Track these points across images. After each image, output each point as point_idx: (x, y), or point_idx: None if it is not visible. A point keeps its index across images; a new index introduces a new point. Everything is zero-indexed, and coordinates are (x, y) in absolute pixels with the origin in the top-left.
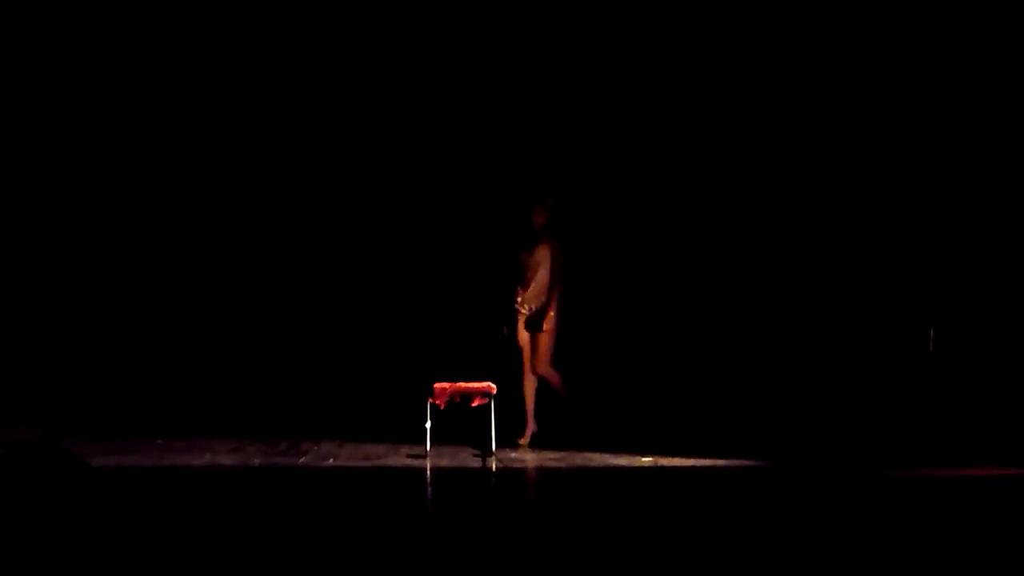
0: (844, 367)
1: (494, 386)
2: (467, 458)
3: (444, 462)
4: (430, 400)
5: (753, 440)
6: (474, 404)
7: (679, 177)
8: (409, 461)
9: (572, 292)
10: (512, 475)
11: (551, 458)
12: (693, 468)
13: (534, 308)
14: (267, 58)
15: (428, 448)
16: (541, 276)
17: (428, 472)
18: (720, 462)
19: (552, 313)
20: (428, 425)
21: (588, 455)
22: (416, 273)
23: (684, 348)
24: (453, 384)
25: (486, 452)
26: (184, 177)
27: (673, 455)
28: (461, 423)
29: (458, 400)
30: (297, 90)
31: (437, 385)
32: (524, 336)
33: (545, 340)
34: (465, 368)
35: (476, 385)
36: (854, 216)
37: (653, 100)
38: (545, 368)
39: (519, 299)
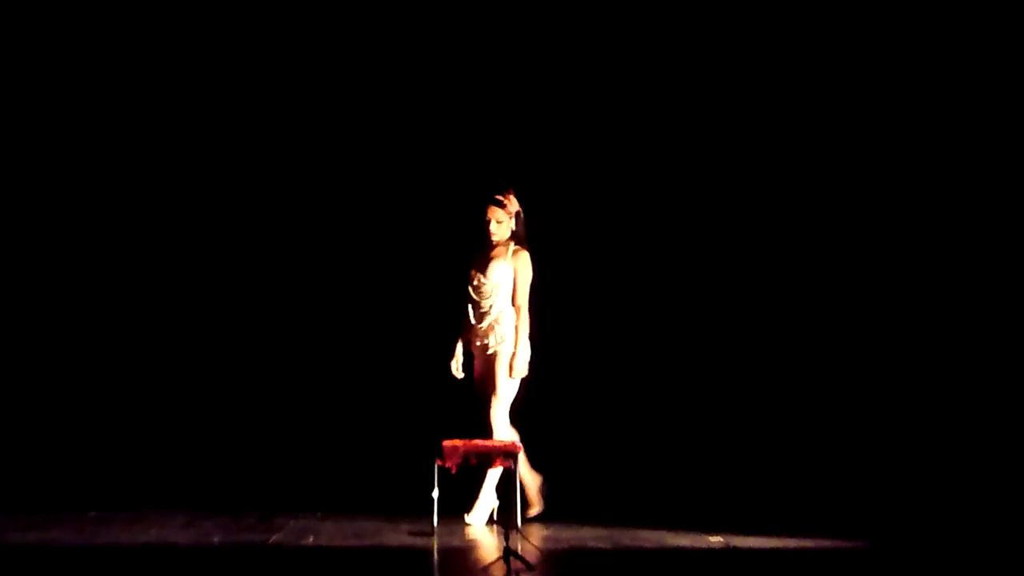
0: (962, 412)
1: (520, 444)
2: (485, 537)
3: (456, 541)
4: (438, 462)
5: (844, 511)
6: (494, 467)
7: (707, 174)
8: (411, 540)
9: (561, 318)
10: (545, 559)
11: (592, 536)
12: (776, 551)
13: (490, 345)
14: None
15: (435, 523)
16: (499, 302)
17: (435, 554)
18: (807, 543)
19: (519, 352)
20: (435, 494)
21: (638, 532)
22: (412, 299)
23: (743, 385)
24: (467, 441)
25: (510, 529)
26: (121, 210)
27: (746, 532)
28: (477, 492)
29: (474, 462)
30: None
31: (447, 443)
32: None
33: (506, 383)
34: (481, 421)
35: (497, 443)
36: (976, 220)
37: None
38: (498, 422)
39: (472, 336)
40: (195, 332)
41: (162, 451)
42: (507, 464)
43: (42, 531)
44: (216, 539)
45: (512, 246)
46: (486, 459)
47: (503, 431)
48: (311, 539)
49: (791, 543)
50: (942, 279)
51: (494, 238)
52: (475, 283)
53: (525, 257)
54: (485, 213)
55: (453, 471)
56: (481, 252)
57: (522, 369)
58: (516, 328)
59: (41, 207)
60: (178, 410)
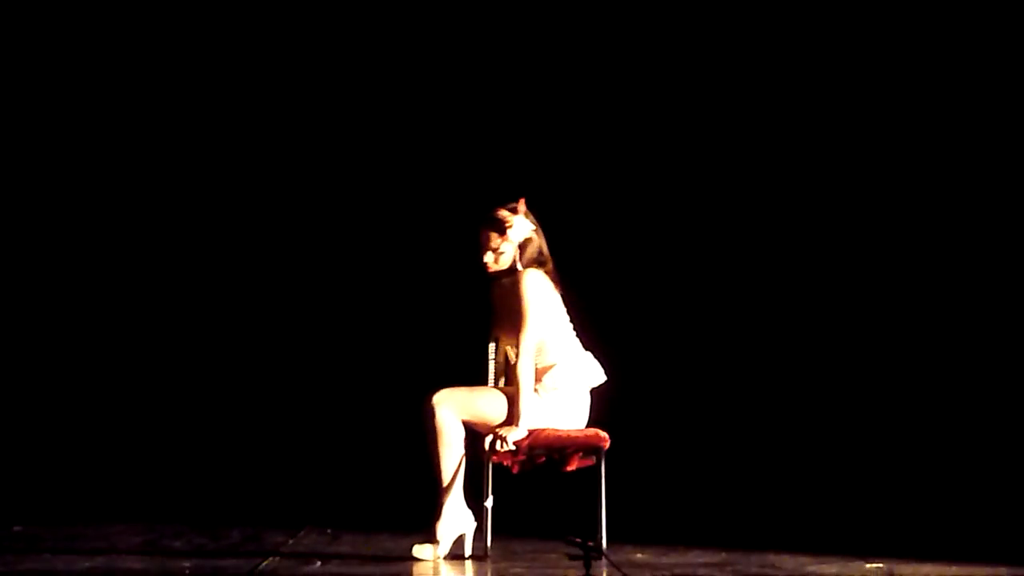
0: None
1: (605, 435)
2: (556, 560)
3: (517, 570)
4: (492, 459)
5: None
6: (570, 467)
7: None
8: (455, 566)
9: None
10: None
11: (703, 562)
12: None
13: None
14: None
15: (489, 543)
16: (544, 358)
17: None
18: (981, 572)
19: (519, 403)
20: (489, 503)
21: (765, 556)
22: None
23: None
24: (535, 432)
25: (590, 549)
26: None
27: (904, 556)
28: (546, 500)
29: (542, 460)
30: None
31: (504, 433)
32: None
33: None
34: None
35: (574, 434)
36: None
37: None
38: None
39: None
40: (165, 317)
41: (115, 447)
42: (587, 463)
43: None
44: (186, 566)
45: (520, 266)
46: (560, 456)
47: (445, 407)
48: (318, 564)
49: (964, 572)
50: None
51: (490, 271)
52: (507, 357)
53: (525, 280)
54: (478, 238)
55: (515, 471)
56: (494, 294)
57: (521, 421)
58: (517, 377)
59: None
60: (138, 394)
